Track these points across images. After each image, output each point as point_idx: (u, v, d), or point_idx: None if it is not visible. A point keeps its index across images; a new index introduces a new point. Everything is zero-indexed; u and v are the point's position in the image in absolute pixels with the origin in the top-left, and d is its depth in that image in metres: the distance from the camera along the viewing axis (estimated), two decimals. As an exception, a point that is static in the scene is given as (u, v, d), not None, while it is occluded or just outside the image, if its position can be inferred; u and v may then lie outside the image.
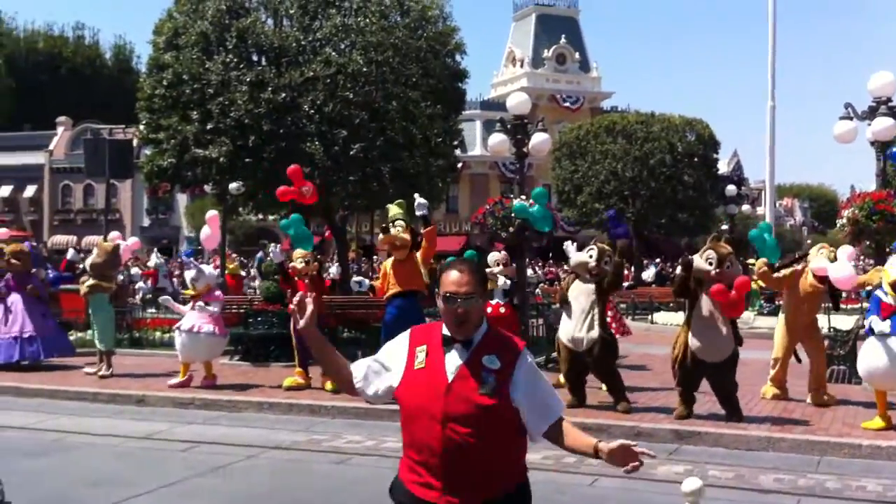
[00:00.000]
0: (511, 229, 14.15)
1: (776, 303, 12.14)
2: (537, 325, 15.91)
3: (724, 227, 32.75)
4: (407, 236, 11.42)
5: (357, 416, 10.76)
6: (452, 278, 3.32)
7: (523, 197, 14.74)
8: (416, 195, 11.86)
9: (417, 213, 11.67)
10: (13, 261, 14.25)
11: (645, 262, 40.33)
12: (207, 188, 21.27)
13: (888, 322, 9.38)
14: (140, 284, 26.04)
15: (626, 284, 26.90)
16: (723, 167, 46.03)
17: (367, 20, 16.73)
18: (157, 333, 17.15)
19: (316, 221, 21.97)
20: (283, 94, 16.02)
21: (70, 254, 19.21)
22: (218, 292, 13.08)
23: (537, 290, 27.15)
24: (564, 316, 10.81)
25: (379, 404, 3.58)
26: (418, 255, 11.41)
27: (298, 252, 12.29)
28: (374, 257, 36.62)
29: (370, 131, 16.39)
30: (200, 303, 12.47)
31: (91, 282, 13.60)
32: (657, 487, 7.63)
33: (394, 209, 11.89)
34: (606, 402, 10.75)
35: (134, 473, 8.22)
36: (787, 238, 60.47)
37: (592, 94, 58.67)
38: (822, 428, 9.69)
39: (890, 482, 7.87)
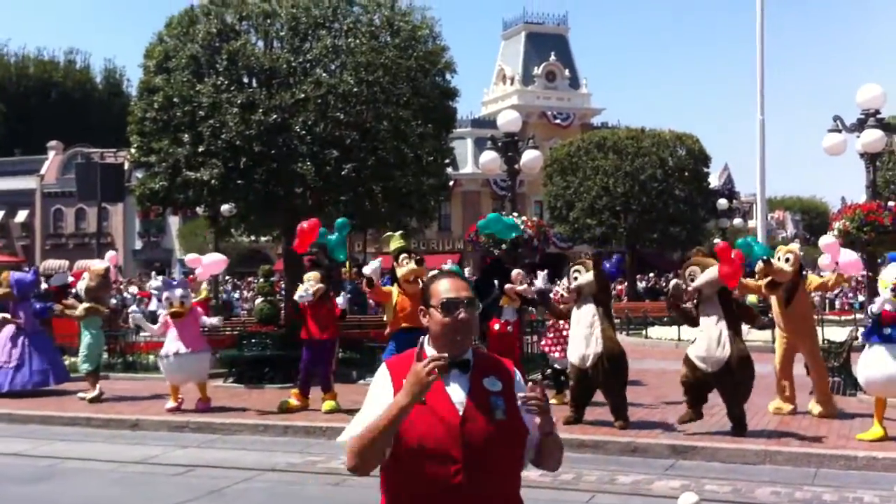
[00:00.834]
0: (504, 246, 14.19)
1: (769, 315, 12.12)
2: (532, 342, 15.91)
3: (717, 240, 32.81)
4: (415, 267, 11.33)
5: (353, 437, 10.72)
6: (447, 286, 3.04)
7: (515, 214, 14.79)
8: (364, 269, 11.97)
9: (366, 271, 11.76)
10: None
11: (638, 276, 40.41)
12: (199, 210, 21.25)
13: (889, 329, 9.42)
14: (133, 308, 25.97)
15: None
16: (714, 181, 46.14)
17: (358, 41, 16.78)
18: (151, 357, 17.06)
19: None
20: (274, 116, 16.04)
21: (57, 279, 18.95)
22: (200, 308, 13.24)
23: (531, 308, 27.09)
24: (572, 335, 10.70)
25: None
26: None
27: (311, 275, 12.35)
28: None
29: (361, 151, 16.41)
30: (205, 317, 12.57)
31: (86, 305, 13.61)
32: (654, 503, 7.62)
33: (396, 242, 11.63)
34: (602, 419, 10.73)
35: (129, 498, 8.18)
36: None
37: (583, 110, 58.90)
38: (817, 440, 9.69)
39: (886, 493, 7.87)
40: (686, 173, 40.00)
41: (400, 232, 12.19)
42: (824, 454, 9.12)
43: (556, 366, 12.40)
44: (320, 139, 16.16)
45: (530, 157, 14.91)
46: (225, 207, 18.27)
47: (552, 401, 10.77)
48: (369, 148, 16.48)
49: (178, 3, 22.08)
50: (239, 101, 16.15)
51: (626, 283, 37.78)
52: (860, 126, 13.40)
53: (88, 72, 74.71)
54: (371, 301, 26.24)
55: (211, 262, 13.80)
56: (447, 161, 19.37)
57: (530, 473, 3.63)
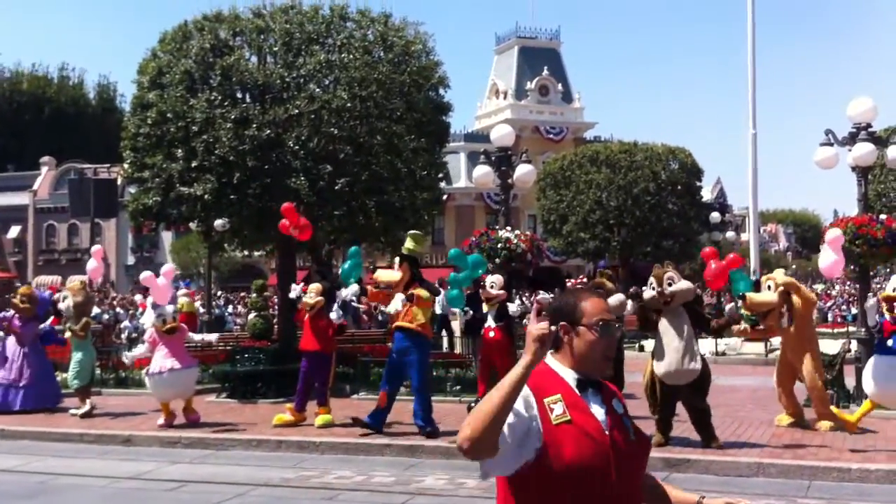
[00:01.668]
0: (497, 260, 14.20)
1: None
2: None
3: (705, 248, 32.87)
4: (395, 276, 11.43)
5: (346, 452, 10.72)
6: (600, 305, 2.96)
7: (509, 228, 14.82)
8: (343, 292, 12.12)
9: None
10: (23, 303, 14.25)
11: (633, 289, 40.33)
12: (192, 226, 21.22)
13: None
14: (126, 324, 25.92)
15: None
16: (706, 195, 46.27)
17: (351, 56, 16.82)
18: (143, 373, 17.03)
19: (302, 256, 21.95)
20: (268, 131, 16.05)
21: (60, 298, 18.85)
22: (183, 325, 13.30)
23: (525, 321, 27.12)
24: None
25: (504, 474, 2.84)
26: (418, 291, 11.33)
27: (312, 287, 12.42)
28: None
29: (355, 166, 16.42)
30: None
31: (84, 320, 13.70)
32: (649, 516, 7.61)
33: (410, 244, 11.76)
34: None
35: (122, 514, 8.14)
36: (772, 264, 60.69)
37: (576, 124, 59.06)
38: (811, 452, 9.71)
39: (880, 506, 7.88)
40: (679, 187, 40.10)
41: (416, 232, 12.20)
42: (817, 466, 9.13)
43: None
44: (314, 154, 16.18)
45: (523, 171, 14.93)
46: (218, 222, 18.24)
47: None
48: (363, 163, 16.50)
49: (172, 19, 22.12)
50: (232, 117, 16.17)
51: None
52: (852, 139, 13.43)
53: (82, 87, 74.71)
54: (365, 316, 26.26)
55: (162, 285, 13.67)
56: (441, 175, 19.39)
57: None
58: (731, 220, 46.37)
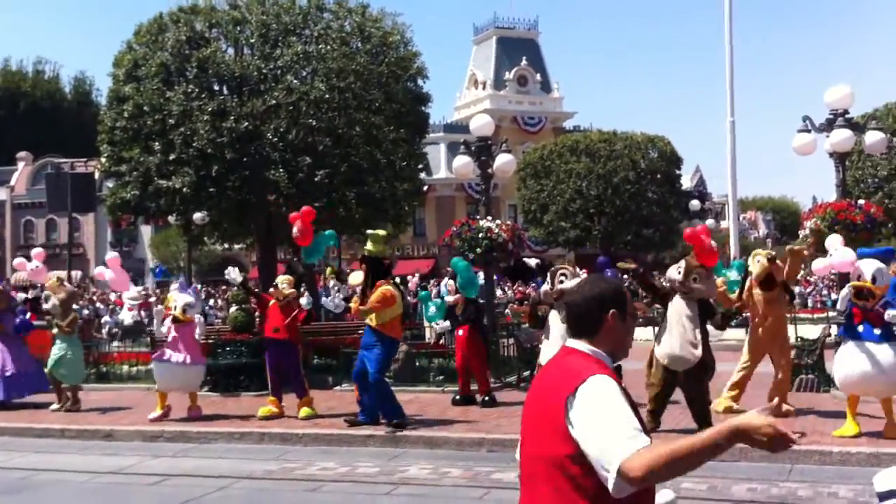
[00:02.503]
0: (479, 250, 14.20)
1: (744, 314, 12.22)
2: (507, 344, 15.93)
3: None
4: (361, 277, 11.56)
5: (329, 443, 10.69)
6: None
7: (489, 218, 14.83)
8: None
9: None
10: None
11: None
12: (172, 219, 21.11)
13: (863, 326, 9.52)
14: (106, 318, 25.78)
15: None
16: (686, 183, 46.50)
17: (328, 47, 16.76)
18: (125, 367, 16.94)
19: (283, 249, 21.89)
20: (246, 123, 15.98)
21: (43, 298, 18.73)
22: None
23: (507, 311, 27.19)
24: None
25: None
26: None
27: (284, 278, 12.35)
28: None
29: (334, 157, 16.39)
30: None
31: (70, 316, 13.60)
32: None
33: (370, 245, 11.69)
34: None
35: (104, 510, 8.09)
36: (752, 250, 60.99)
37: (555, 114, 59.13)
38: (792, 437, 9.75)
39: (860, 488, 7.93)
40: (658, 175, 40.28)
41: (374, 232, 12.06)
42: (799, 450, 9.17)
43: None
44: (292, 146, 16.14)
45: (503, 160, 14.93)
46: (197, 216, 18.17)
47: None
48: (342, 154, 16.48)
49: (147, 11, 21.95)
50: (210, 109, 16.10)
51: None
52: (829, 126, 13.50)
53: (57, 81, 74.14)
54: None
55: (117, 278, 13.58)
56: (420, 166, 19.42)
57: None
58: (711, 207, 46.67)
